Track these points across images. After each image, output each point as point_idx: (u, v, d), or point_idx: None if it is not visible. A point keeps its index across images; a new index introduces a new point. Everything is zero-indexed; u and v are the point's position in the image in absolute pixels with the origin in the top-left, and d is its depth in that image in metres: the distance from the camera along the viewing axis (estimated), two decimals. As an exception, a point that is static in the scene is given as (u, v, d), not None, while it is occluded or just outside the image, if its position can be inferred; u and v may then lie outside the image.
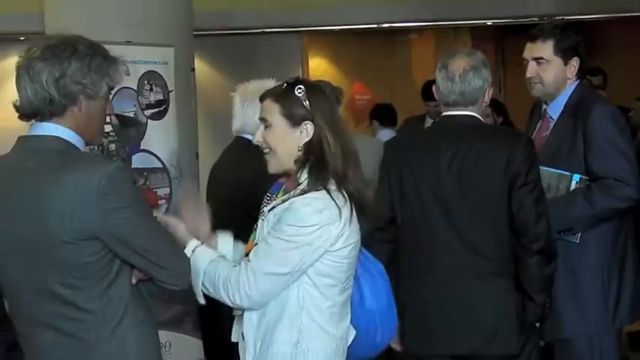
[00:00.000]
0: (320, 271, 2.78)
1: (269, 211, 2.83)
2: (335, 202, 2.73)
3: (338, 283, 2.83)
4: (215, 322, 4.30)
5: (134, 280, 2.62)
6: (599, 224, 3.67)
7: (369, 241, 3.13)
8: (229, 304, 2.80)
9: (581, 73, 3.85)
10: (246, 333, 2.85)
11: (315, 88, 2.88)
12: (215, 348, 4.78)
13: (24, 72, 2.53)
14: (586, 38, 3.91)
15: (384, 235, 3.57)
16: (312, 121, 2.81)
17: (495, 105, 7.54)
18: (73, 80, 2.53)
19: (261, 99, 2.92)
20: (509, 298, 3.44)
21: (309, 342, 2.79)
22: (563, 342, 3.77)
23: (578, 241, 3.68)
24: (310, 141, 2.82)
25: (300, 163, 2.82)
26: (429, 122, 7.44)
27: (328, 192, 2.74)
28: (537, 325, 3.55)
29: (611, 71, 7.82)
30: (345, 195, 2.78)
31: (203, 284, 2.80)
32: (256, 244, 2.86)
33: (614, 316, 3.73)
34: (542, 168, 3.61)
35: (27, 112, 2.55)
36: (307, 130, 2.82)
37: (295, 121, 2.82)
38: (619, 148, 3.63)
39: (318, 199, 2.73)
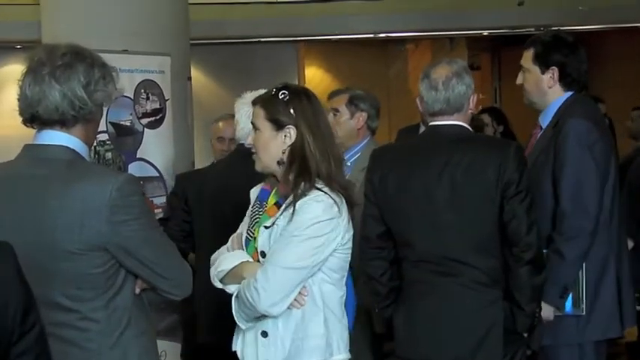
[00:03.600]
0: (334, 265, 2.92)
1: (280, 214, 2.89)
2: (333, 198, 2.85)
3: (344, 273, 2.99)
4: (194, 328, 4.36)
5: (137, 290, 2.62)
6: (585, 259, 3.61)
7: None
8: (248, 304, 2.85)
9: (572, 85, 3.79)
10: (273, 331, 2.91)
11: (299, 93, 2.97)
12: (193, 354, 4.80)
13: (48, 77, 2.48)
14: (583, 49, 3.89)
15: (379, 253, 3.59)
16: (295, 125, 2.90)
17: (495, 113, 7.54)
18: (97, 88, 2.54)
19: (253, 104, 3.03)
20: (497, 309, 3.42)
21: (333, 334, 2.93)
22: (544, 349, 3.75)
23: (584, 313, 3.66)
24: (294, 144, 2.91)
25: (285, 165, 2.92)
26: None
27: (322, 191, 2.85)
28: (525, 335, 3.55)
29: (609, 82, 7.84)
30: (337, 192, 2.89)
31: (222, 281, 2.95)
32: (262, 252, 2.92)
33: (584, 327, 3.69)
34: None
35: (51, 117, 2.51)
36: (290, 134, 2.91)
37: (279, 125, 2.93)
38: (581, 168, 3.57)
39: (325, 195, 2.85)
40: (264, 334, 2.92)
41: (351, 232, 2.95)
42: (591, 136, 3.63)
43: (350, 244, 2.95)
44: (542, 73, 3.77)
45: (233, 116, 4.73)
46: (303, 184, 2.85)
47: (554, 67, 3.76)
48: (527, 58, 3.80)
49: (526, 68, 3.80)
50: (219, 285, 2.97)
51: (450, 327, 3.43)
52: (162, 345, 5.08)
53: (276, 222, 2.90)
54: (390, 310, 3.60)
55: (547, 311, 3.61)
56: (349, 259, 2.98)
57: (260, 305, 2.81)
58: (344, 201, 2.90)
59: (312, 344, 2.90)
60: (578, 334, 3.70)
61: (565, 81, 3.77)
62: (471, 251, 3.40)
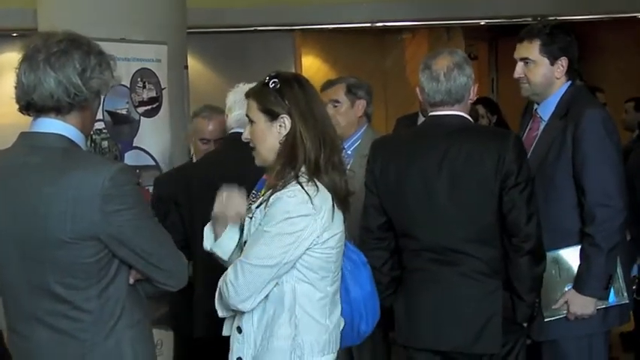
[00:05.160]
0: (311, 264, 2.82)
1: (256, 207, 2.84)
2: (308, 194, 2.74)
3: (329, 274, 2.87)
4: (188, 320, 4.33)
5: (131, 281, 2.61)
6: (619, 247, 3.61)
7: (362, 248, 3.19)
8: (223, 297, 2.82)
9: (572, 74, 3.79)
10: (246, 327, 2.87)
11: (291, 80, 2.89)
12: (187, 346, 4.78)
13: (43, 64, 2.48)
14: (580, 39, 3.87)
15: (380, 243, 3.61)
16: (289, 114, 2.83)
17: (488, 104, 7.55)
18: (93, 75, 2.53)
19: (246, 96, 2.97)
20: (496, 298, 3.44)
21: (304, 335, 2.83)
22: (550, 342, 3.75)
23: (628, 301, 3.70)
24: (288, 134, 2.84)
25: (280, 156, 2.84)
26: (421, 121, 7.40)
27: (300, 185, 2.75)
28: (525, 325, 3.55)
29: (605, 72, 7.82)
30: (321, 185, 2.78)
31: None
32: (245, 242, 2.88)
33: (603, 317, 3.70)
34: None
35: (46, 104, 2.50)
36: (285, 123, 2.84)
37: (272, 116, 2.86)
38: (605, 157, 3.57)
39: (301, 190, 2.75)
40: (239, 329, 2.89)
41: (336, 231, 2.83)
42: (609, 125, 3.63)
43: (333, 244, 2.83)
44: (552, 64, 3.74)
45: (215, 109, 4.66)
46: (289, 174, 2.79)
47: (563, 57, 3.74)
48: (532, 49, 3.74)
49: (532, 60, 3.74)
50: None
51: (450, 316, 3.45)
52: (158, 334, 5.08)
53: (254, 214, 2.84)
54: (391, 300, 3.61)
55: (589, 305, 3.60)
56: (335, 259, 2.87)
57: (230, 300, 2.79)
58: (329, 197, 2.79)
59: (275, 345, 2.81)
60: (597, 324, 3.68)
61: (570, 70, 3.77)
62: (470, 241, 3.42)
